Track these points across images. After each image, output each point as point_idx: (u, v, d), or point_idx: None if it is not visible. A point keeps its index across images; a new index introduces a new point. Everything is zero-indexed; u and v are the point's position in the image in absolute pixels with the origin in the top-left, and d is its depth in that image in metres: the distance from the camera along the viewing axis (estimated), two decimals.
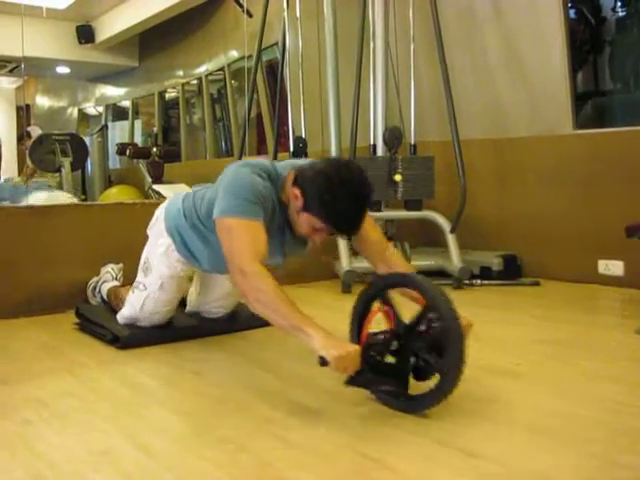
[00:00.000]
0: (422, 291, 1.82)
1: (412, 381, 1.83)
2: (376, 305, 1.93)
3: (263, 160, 2.27)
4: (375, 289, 1.96)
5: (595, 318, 3.30)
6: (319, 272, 4.17)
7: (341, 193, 1.92)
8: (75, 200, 4.57)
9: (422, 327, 1.80)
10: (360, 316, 1.97)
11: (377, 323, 1.89)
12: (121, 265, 3.33)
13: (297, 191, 2.03)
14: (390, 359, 1.83)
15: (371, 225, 2.20)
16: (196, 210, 2.44)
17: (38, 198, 4.34)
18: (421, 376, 1.82)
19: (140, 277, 2.67)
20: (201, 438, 1.67)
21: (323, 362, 1.71)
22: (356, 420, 1.79)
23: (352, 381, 1.77)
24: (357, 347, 1.75)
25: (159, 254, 2.60)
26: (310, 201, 1.99)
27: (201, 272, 2.78)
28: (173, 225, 2.54)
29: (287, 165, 2.24)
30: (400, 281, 1.93)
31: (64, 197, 4.44)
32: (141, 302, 2.65)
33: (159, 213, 2.68)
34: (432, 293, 1.79)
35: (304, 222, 2.06)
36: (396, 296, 1.93)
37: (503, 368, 2.27)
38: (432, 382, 1.78)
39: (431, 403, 1.76)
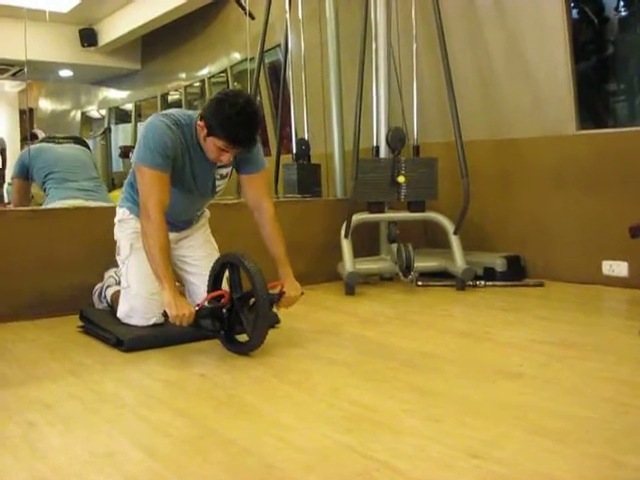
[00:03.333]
0: (246, 273, 2.42)
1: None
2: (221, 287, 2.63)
3: (178, 110, 2.69)
4: (220, 264, 2.63)
5: (599, 319, 3.30)
6: (323, 274, 4.17)
7: (231, 110, 2.40)
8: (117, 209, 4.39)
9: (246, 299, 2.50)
10: (212, 279, 2.64)
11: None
12: None
13: (201, 122, 2.51)
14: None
15: (258, 179, 2.79)
16: (132, 169, 2.76)
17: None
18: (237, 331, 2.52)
19: (118, 261, 2.92)
20: (205, 440, 1.67)
21: (165, 317, 2.49)
22: (362, 422, 1.78)
23: (190, 326, 2.43)
24: (192, 309, 2.38)
25: (118, 224, 2.92)
26: (210, 125, 2.47)
27: (180, 275, 3.02)
28: (122, 197, 2.94)
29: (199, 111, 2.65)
30: (231, 260, 2.55)
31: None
32: (125, 276, 2.84)
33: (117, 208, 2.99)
34: (249, 270, 2.41)
35: (210, 146, 2.53)
36: None
37: (507, 369, 2.27)
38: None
39: (246, 350, 2.48)
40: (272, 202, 2.81)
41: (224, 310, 2.51)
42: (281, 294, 2.62)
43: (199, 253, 3.01)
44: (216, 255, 2.96)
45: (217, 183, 2.84)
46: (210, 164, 2.69)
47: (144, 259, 2.66)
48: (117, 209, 2.96)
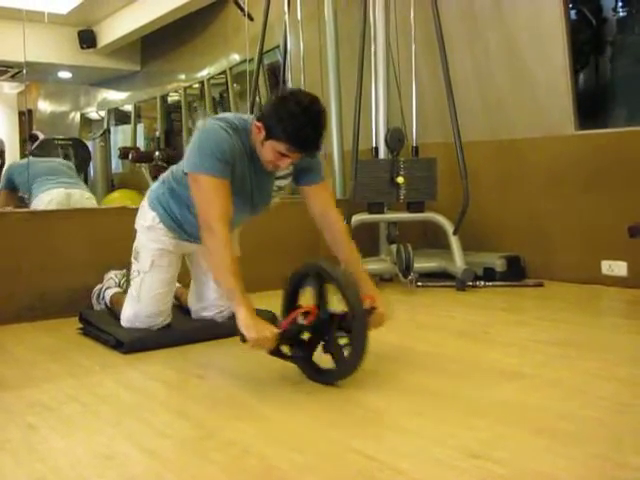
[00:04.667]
0: (335, 284, 2.04)
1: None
2: (302, 303, 2.18)
3: (233, 114, 2.46)
4: (300, 276, 2.20)
5: (599, 319, 3.30)
6: None
7: (295, 111, 2.13)
8: (93, 200, 4.55)
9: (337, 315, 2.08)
10: (289, 296, 2.21)
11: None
12: (124, 272, 3.32)
13: (259, 124, 2.24)
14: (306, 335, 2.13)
15: (321, 188, 2.48)
16: (172, 173, 2.61)
17: (52, 199, 4.23)
18: (330, 353, 2.09)
19: (133, 266, 2.75)
20: (206, 441, 1.67)
21: (243, 340, 2.03)
22: (361, 422, 1.79)
23: (272, 353, 2.09)
24: (275, 331, 2.03)
25: (145, 229, 2.70)
26: (270, 127, 2.20)
27: (193, 269, 2.89)
28: (154, 197, 2.68)
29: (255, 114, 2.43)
30: (316, 271, 2.14)
31: (81, 197, 4.38)
32: (138, 288, 2.70)
33: (143, 202, 2.79)
34: (340, 282, 2.03)
35: (269, 150, 2.25)
36: None
37: (507, 369, 2.27)
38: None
39: (337, 377, 2.06)
40: (339, 213, 2.50)
41: (310, 332, 2.13)
42: (371, 310, 2.17)
43: (213, 290, 2.86)
44: (237, 242, 2.87)
45: (272, 195, 2.59)
46: (268, 174, 2.45)
47: (162, 280, 2.70)
48: (145, 209, 2.72)
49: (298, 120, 2.13)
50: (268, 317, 2.29)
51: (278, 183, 2.54)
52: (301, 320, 2.11)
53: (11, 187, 4.49)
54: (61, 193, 4.24)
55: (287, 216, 3.77)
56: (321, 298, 2.11)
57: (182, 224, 2.62)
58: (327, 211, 2.45)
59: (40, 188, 4.28)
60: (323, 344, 2.10)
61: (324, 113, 2.21)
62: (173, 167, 2.66)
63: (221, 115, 2.43)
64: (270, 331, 2.02)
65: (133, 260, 2.75)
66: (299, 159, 2.30)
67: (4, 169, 4.94)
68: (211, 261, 2.26)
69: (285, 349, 2.13)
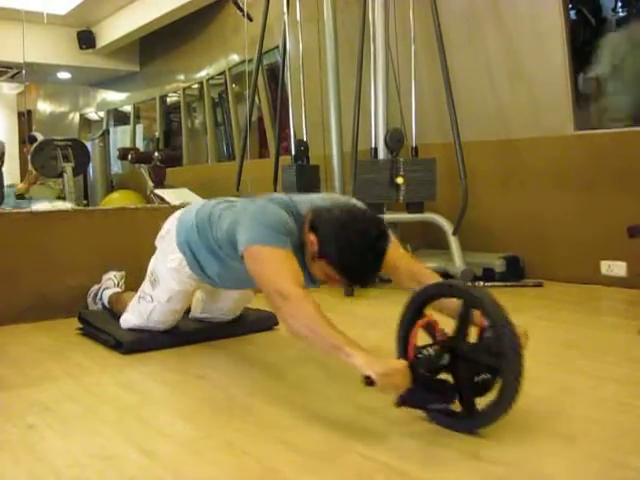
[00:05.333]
0: (480, 306, 1.67)
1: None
2: (422, 317, 1.77)
3: (283, 195, 2.22)
4: (424, 297, 1.81)
5: (598, 319, 3.30)
6: None
7: (358, 247, 1.84)
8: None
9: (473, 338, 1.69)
10: (407, 329, 1.77)
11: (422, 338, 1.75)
12: (123, 273, 3.32)
13: (312, 237, 1.97)
14: (442, 374, 1.69)
15: (396, 250, 2.10)
16: (211, 229, 2.36)
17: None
18: (477, 392, 1.66)
19: (147, 288, 2.63)
20: (205, 442, 1.67)
21: (369, 382, 1.56)
22: (361, 423, 1.79)
23: (404, 401, 1.62)
24: (404, 362, 1.62)
25: (169, 269, 2.54)
26: (324, 250, 1.92)
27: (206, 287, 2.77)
28: (185, 240, 2.47)
29: (305, 202, 2.16)
30: (452, 292, 1.77)
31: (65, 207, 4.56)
32: (147, 313, 2.63)
33: (170, 226, 2.61)
34: (485, 301, 1.65)
35: (319, 268, 2.00)
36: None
37: None
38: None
39: (486, 422, 1.63)
40: (413, 259, 2.22)
41: (445, 358, 1.68)
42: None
43: (235, 294, 2.78)
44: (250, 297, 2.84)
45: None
46: (308, 273, 2.10)
47: (175, 310, 2.64)
48: (172, 244, 2.52)
49: (361, 259, 1.85)
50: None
51: None
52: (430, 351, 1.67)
53: None
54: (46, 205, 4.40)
55: None
56: (460, 324, 1.71)
57: (210, 275, 2.48)
58: (415, 272, 2.09)
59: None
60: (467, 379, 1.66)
61: (388, 245, 1.92)
62: (213, 217, 2.38)
63: (270, 195, 2.23)
64: (400, 363, 1.62)
65: (148, 282, 2.64)
66: None
67: None
68: (294, 330, 1.82)
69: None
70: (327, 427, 1.75)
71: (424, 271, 2.09)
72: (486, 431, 1.66)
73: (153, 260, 2.67)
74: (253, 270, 2.01)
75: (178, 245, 2.50)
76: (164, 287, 2.57)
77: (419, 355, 1.65)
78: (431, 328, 1.73)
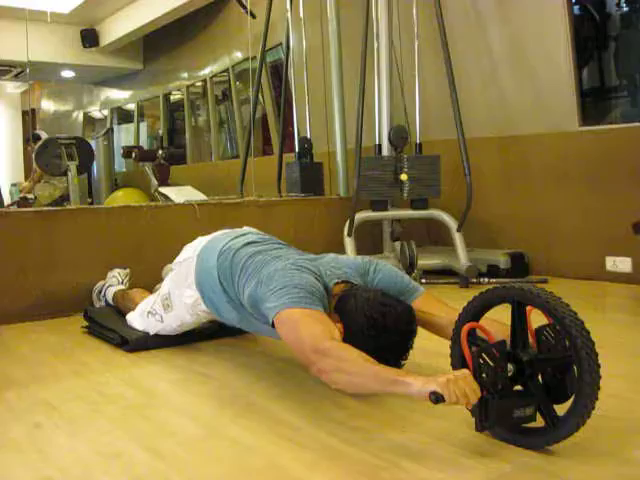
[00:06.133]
0: (535, 302, 1.58)
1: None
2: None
3: (307, 261, 2.09)
4: (480, 306, 1.71)
5: (604, 315, 3.29)
6: None
7: (383, 344, 1.80)
8: None
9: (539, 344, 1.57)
10: (466, 320, 1.67)
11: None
12: (128, 270, 3.33)
13: (339, 323, 1.88)
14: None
15: (435, 306, 2.02)
16: (234, 284, 2.22)
17: None
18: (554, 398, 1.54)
19: (158, 308, 2.59)
20: (211, 440, 1.67)
21: (436, 398, 1.41)
22: (367, 421, 1.78)
23: (482, 418, 1.47)
24: (465, 370, 1.47)
25: (185, 304, 2.48)
26: (350, 338, 1.79)
27: None
28: (204, 283, 2.37)
29: (331, 272, 2.07)
30: (507, 294, 1.66)
31: None
32: (155, 330, 2.63)
33: (190, 254, 2.52)
34: (549, 304, 1.57)
35: None
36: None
37: None
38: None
39: (559, 437, 1.50)
40: (451, 308, 2.00)
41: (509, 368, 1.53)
42: None
43: None
44: None
45: None
46: None
47: (183, 329, 2.61)
48: (190, 277, 2.43)
49: (384, 355, 1.71)
50: None
51: None
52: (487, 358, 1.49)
53: None
54: None
55: (314, 218, 3.73)
56: (518, 328, 1.58)
57: (225, 317, 2.40)
58: (449, 313, 1.95)
59: None
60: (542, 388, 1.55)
61: (414, 335, 1.88)
62: (235, 273, 2.21)
63: (299, 260, 2.10)
64: (460, 372, 1.47)
65: (160, 302, 2.59)
66: None
67: None
68: (341, 382, 1.69)
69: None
70: (333, 424, 1.75)
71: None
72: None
73: (169, 282, 2.59)
74: (286, 336, 1.88)
75: (196, 285, 2.41)
76: (177, 315, 2.54)
77: (478, 360, 1.48)
78: (481, 342, 1.58)
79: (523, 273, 4.22)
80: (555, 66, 4.11)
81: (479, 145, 4.38)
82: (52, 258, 3.35)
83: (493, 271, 4.15)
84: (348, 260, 2.21)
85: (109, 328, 2.78)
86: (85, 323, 2.99)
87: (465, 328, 1.57)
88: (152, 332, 2.63)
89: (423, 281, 4.00)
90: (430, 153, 4.27)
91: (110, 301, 3.14)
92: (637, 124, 3.94)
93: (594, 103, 4.44)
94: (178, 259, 2.61)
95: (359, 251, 4.00)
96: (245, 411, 1.90)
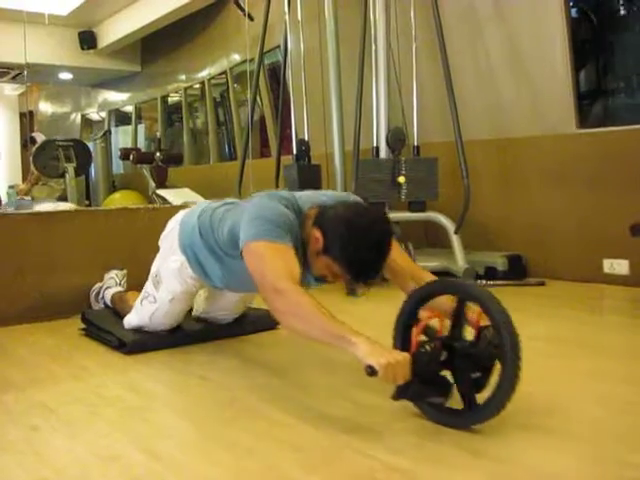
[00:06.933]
0: (474, 299, 1.70)
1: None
2: (424, 314, 1.77)
3: (285, 192, 2.21)
4: (422, 295, 1.84)
5: (601, 317, 3.29)
6: None
7: (363, 243, 1.87)
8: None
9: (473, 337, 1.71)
10: (405, 325, 1.81)
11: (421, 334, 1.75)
12: (125, 271, 3.33)
13: (317, 233, 1.96)
14: (442, 370, 1.71)
15: (396, 250, 2.07)
16: (213, 232, 2.35)
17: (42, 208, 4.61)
18: (475, 389, 1.69)
19: (150, 288, 2.63)
20: (208, 442, 1.67)
21: (371, 371, 1.56)
22: (364, 422, 1.78)
23: (400, 393, 1.65)
24: (407, 355, 1.62)
25: (172, 269, 2.54)
26: (331, 246, 1.92)
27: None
28: (188, 243, 2.47)
29: (307, 199, 2.18)
30: (449, 288, 1.81)
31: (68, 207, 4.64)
32: (150, 314, 2.63)
33: (173, 225, 2.62)
34: (486, 301, 1.67)
35: (323, 265, 1.99)
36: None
37: None
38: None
39: (480, 419, 1.66)
40: (414, 263, 2.20)
41: (443, 354, 1.70)
42: None
43: (228, 299, 2.78)
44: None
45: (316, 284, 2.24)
46: (309, 271, 2.12)
47: (178, 312, 2.65)
48: (175, 244, 2.53)
49: (363, 255, 1.87)
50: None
51: None
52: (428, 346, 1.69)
53: None
54: (49, 206, 4.55)
55: None
56: (456, 320, 1.72)
57: (211, 277, 2.48)
58: (414, 274, 2.07)
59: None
60: (456, 379, 1.71)
61: (391, 243, 1.95)
62: (214, 220, 2.37)
63: (272, 192, 2.21)
64: (401, 355, 1.61)
65: (151, 283, 2.63)
66: None
67: None
68: (293, 322, 1.82)
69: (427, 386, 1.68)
70: (330, 426, 1.75)
71: (423, 273, 2.08)
72: (487, 429, 1.66)
73: (156, 260, 2.67)
74: (250, 266, 1.99)
75: (180, 247, 2.50)
76: (167, 287, 2.57)
77: (420, 349, 1.66)
78: (429, 330, 1.74)
79: (521, 275, 4.22)
80: (552, 69, 4.12)
81: (477, 147, 4.39)
82: (50, 260, 3.35)
83: (491, 273, 4.15)
84: (327, 192, 2.38)
85: (107, 330, 2.77)
86: (83, 325, 2.99)
87: (420, 326, 1.70)
88: (148, 318, 2.63)
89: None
90: (428, 155, 4.28)
91: (108, 303, 3.14)
92: (635, 127, 3.94)
93: (591, 105, 4.44)
94: (163, 234, 2.69)
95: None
96: (243, 413, 1.90)
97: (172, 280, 2.56)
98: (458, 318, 1.71)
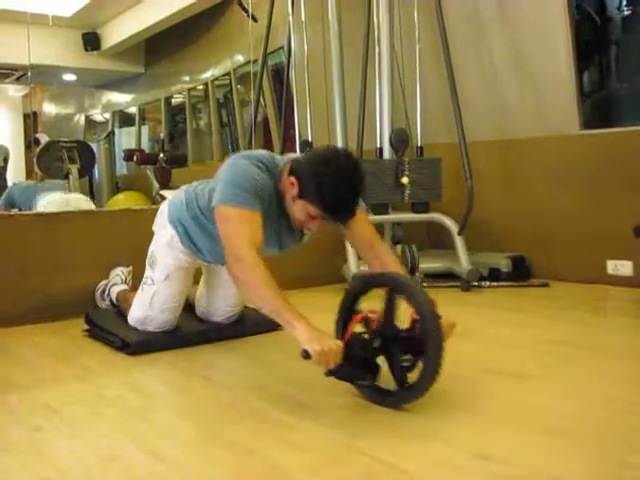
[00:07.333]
0: (403, 291, 1.88)
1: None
2: (361, 311, 1.98)
3: (262, 151, 2.32)
4: (360, 287, 2.04)
5: (605, 319, 3.29)
6: (327, 276, 4.16)
7: (335, 179, 1.98)
8: (91, 203, 4.67)
9: (405, 327, 1.91)
10: (346, 313, 2.01)
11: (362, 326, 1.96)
12: (130, 268, 3.33)
13: (293, 179, 2.10)
14: (375, 357, 1.91)
15: (364, 221, 2.28)
16: (197, 201, 2.49)
17: (50, 201, 4.52)
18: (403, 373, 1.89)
19: (148, 272, 2.71)
20: (211, 443, 1.67)
21: (306, 355, 1.78)
22: (366, 424, 1.78)
23: (331, 373, 1.84)
24: (340, 343, 1.82)
25: (163, 244, 2.64)
26: (305, 188, 2.06)
27: (206, 274, 2.84)
28: (175, 217, 2.59)
29: (286, 158, 2.31)
30: (383, 281, 1.99)
31: (79, 200, 4.57)
32: (150, 297, 2.67)
33: (163, 207, 2.73)
34: (413, 293, 1.85)
35: (299, 209, 2.12)
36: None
37: (512, 369, 2.26)
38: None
39: (408, 399, 1.85)
40: (382, 241, 2.37)
41: (375, 349, 1.91)
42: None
43: (225, 293, 2.82)
44: None
45: (304, 238, 2.46)
46: (289, 225, 2.30)
47: (176, 292, 2.69)
48: (164, 221, 2.64)
49: (338, 191, 1.98)
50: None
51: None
52: (363, 330, 1.93)
53: (9, 204, 4.90)
54: (59, 197, 4.43)
55: None
56: (388, 310, 1.91)
57: (200, 249, 2.56)
58: (371, 238, 2.26)
59: (40, 201, 4.57)
60: (388, 363, 1.90)
61: (364, 180, 2.06)
62: (198, 189, 2.53)
63: (249, 152, 2.32)
64: (335, 343, 1.80)
65: (148, 265, 2.72)
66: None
67: (7, 191, 5.36)
68: (246, 291, 2.06)
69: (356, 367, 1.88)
70: (333, 426, 1.75)
71: (382, 247, 2.29)
72: (490, 430, 1.66)
73: (152, 243, 2.75)
74: (219, 229, 2.16)
75: (169, 221, 2.61)
76: (161, 265, 2.65)
77: (352, 338, 1.87)
78: (367, 321, 1.93)
79: (524, 277, 4.21)
80: (556, 70, 4.11)
81: (480, 148, 4.38)
82: (54, 261, 3.35)
83: (494, 275, 4.14)
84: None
85: (110, 331, 2.78)
86: (86, 326, 2.99)
87: (355, 319, 1.92)
88: (148, 304, 2.67)
89: (425, 285, 4.00)
90: (431, 156, 4.27)
91: (114, 300, 3.15)
92: (638, 128, 3.94)
93: (595, 106, 4.43)
94: (156, 218, 2.75)
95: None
96: (245, 414, 1.90)
97: (164, 256, 2.63)
98: (389, 308, 1.90)
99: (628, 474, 1.44)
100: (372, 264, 2.25)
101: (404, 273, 2.20)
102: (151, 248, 2.73)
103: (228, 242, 2.08)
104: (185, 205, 2.55)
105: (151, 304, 2.68)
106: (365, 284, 2.04)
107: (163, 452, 1.61)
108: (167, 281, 2.64)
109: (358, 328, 1.93)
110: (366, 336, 1.90)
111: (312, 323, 1.84)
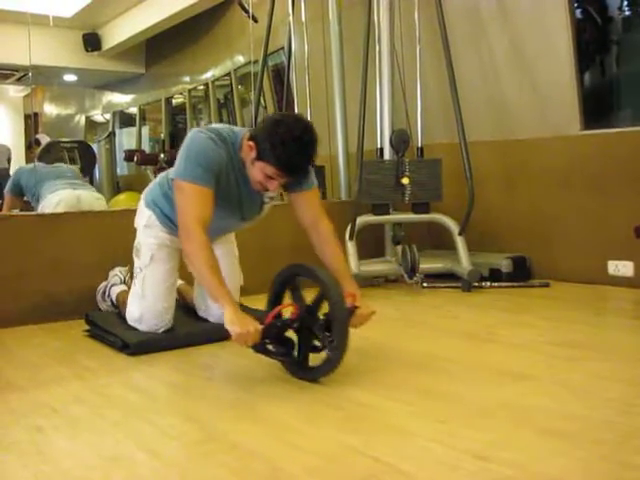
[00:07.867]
0: (316, 280, 2.14)
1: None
2: (287, 300, 2.27)
3: (222, 125, 2.48)
4: (285, 276, 2.29)
5: (605, 319, 3.29)
6: None
7: (285, 136, 2.17)
8: (103, 201, 4.57)
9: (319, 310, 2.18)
10: (275, 295, 2.29)
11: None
12: (128, 267, 3.33)
13: (251, 143, 2.28)
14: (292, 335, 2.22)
15: (313, 198, 2.51)
16: (167, 179, 2.64)
17: (61, 199, 4.28)
18: (315, 350, 2.20)
19: (135, 263, 2.81)
20: (212, 443, 1.67)
21: (227, 335, 2.10)
22: (367, 424, 1.78)
23: (253, 348, 2.15)
24: (258, 327, 2.10)
25: (142, 227, 2.77)
26: (262, 149, 2.24)
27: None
28: (150, 199, 2.76)
29: (246, 129, 2.48)
30: (301, 272, 2.25)
31: (91, 198, 4.41)
32: (142, 284, 2.73)
33: (140, 201, 2.87)
34: (324, 282, 2.12)
35: (258, 171, 2.31)
36: None
37: (513, 370, 2.26)
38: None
39: (321, 373, 2.14)
40: (328, 220, 2.51)
41: (293, 328, 2.21)
42: (353, 309, 2.24)
43: (221, 262, 2.94)
44: (237, 267, 2.97)
45: (264, 207, 2.67)
46: (250, 192, 2.50)
47: (164, 271, 2.74)
48: (142, 208, 2.80)
49: (289, 147, 2.18)
50: (258, 315, 2.23)
51: (268, 194, 2.55)
52: (285, 316, 2.21)
53: (18, 191, 4.56)
54: (70, 194, 4.25)
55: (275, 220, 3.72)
56: (298, 298, 2.23)
57: (176, 224, 2.59)
58: (318, 220, 2.47)
59: (48, 190, 4.31)
60: (307, 342, 2.21)
61: (315, 142, 2.25)
62: (170, 171, 2.62)
63: (210, 125, 2.47)
64: (254, 326, 2.09)
65: (135, 258, 2.81)
66: (288, 182, 2.36)
67: (14, 173, 5.00)
68: (191, 264, 2.31)
69: (270, 346, 2.19)
70: (333, 427, 1.75)
71: (322, 223, 2.46)
72: (491, 432, 1.66)
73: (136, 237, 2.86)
74: (176, 200, 2.38)
75: (146, 206, 2.77)
76: (144, 248, 2.75)
77: (274, 321, 2.15)
78: (291, 309, 2.21)
79: (525, 277, 4.21)
80: (557, 70, 4.11)
81: (481, 149, 4.38)
82: (54, 261, 3.35)
83: (495, 275, 4.14)
84: None
85: (110, 331, 2.78)
86: (87, 327, 2.99)
87: (276, 309, 2.19)
88: (140, 293, 2.74)
89: (425, 285, 4.00)
90: (432, 157, 4.27)
91: (115, 301, 3.15)
92: (639, 128, 3.93)
93: (596, 107, 4.43)
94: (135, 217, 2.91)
95: (361, 254, 4.00)
96: (246, 415, 1.90)
97: (146, 237, 2.76)
98: (297, 295, 2.23)
99: (629, 475, 1.44)
100: (314, 241, 2.47)
101: (339, 263, 2.44)
102: (135, 243, 2.84)
103: (182, 218, 2.29)
104: (158, 185, 2.74)
105: (143, 292, 2.72)
106: (287, 275, 2.29)
107: (164, 452, 1.61)
108: (153, 262, 2.73)
109: (287, 314, 2.20)
110: (287, 320, 2.19)
111: (237, 306, 2.16)
